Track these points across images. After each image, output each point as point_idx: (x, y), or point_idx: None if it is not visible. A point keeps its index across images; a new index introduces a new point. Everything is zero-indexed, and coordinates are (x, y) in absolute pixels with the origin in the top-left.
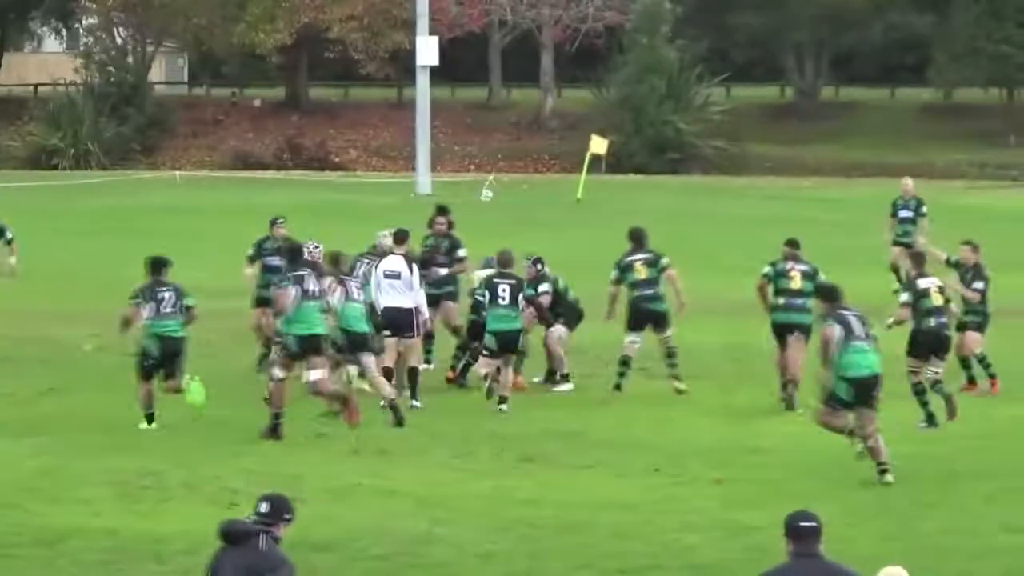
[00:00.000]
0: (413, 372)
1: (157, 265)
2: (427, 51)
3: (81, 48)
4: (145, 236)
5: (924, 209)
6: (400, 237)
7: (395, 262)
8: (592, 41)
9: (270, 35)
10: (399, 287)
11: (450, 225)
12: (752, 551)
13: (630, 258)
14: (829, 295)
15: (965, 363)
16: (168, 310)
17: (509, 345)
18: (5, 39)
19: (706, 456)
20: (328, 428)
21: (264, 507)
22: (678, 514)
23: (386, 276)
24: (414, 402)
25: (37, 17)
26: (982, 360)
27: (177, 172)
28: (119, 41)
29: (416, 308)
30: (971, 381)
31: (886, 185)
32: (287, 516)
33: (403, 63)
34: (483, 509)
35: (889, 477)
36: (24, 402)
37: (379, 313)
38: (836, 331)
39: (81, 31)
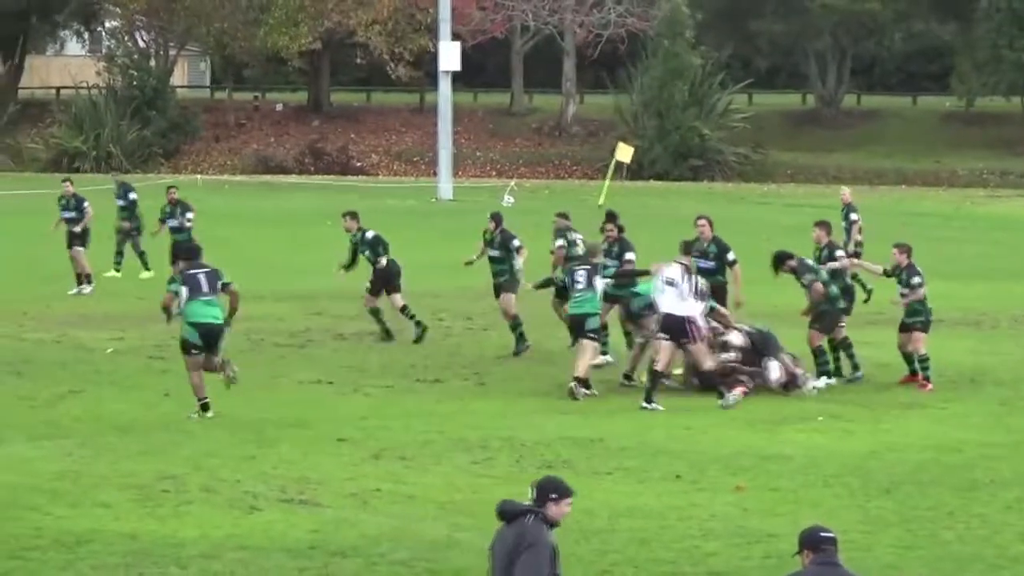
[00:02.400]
0: (705, 375)
1: None
2: (449, 56)
3: (104, 51)
4: (165, 239)
5: (852, 216)
6: (686, 248)
7: (674, 270)
8: (614, 47)
9: (293, 39)
10: (674, 295)
11: (620, 230)
12: (771, 558)
13: None
14: (186, 254)
15: (908, 359)
16: None
17: (578, 328)
18: (28, 42)
19: (725, 463)
20: (349, 433)
21: (532, 492)
22: (697, 521)
23: (665, 283)
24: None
25: (60, 20)
26: (924, 360)
27: (199, 176)
28: (142, 44)
29: (689, 317)
30: (913, 374)
31: (907, 193)
32: (552, 495)
33: (426, 68)
34: None
35: (209, 414)
36: (44, 405)
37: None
38: (183, 290)
39: (104, 34)
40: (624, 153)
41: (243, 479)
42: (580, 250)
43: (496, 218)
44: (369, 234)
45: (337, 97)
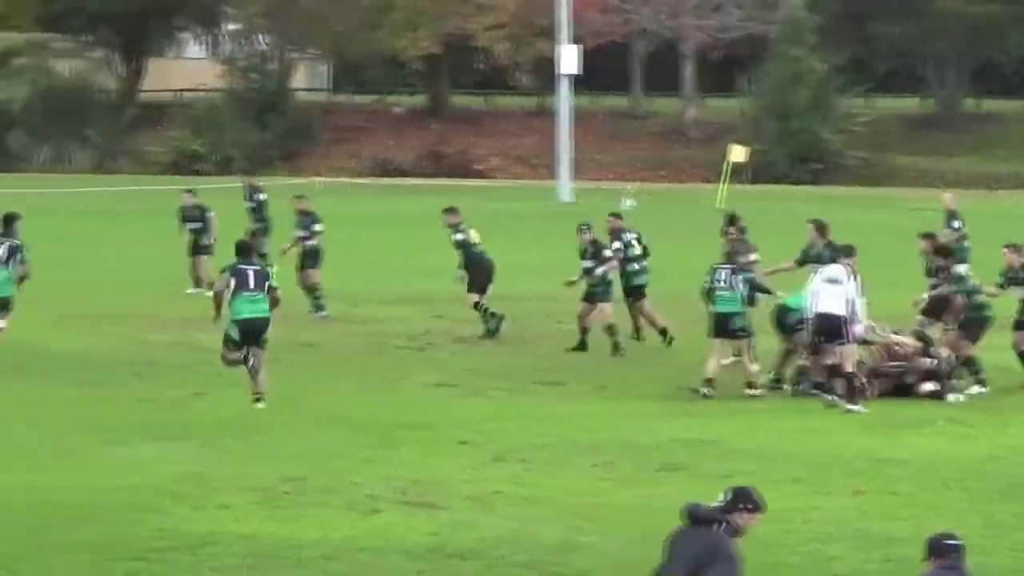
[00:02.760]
0: (848, 377)
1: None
2: (569, 60)
3: (224, 54)
4: (284, 242)
5: (955, 224)
6: (847, 250)
7: (837, 269)
8: (734, 51)
9: (412, 43)
10: (835, 293)
11: (741, 231)
12: (892, 562)
13: None
14: (239, 250)
15: None
16: None
17: (722, 327)
18: (148, 45)
19: (845, 466)
20: (469, 436)
21: (724, 496)
22: (818, 524)
23: (827, 281)
24: (851, 407)
25: (180, 23)
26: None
27: (319, 179)
28: (262, 47)
29: (846, 317)
30: None
31: None
32: (740, 505)
33: (546, 72)
34: (625, 518)
35: (261, 404)
36: (166, 407)
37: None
38: (231, 281)
39: (224, 37)
40: (737, 154)
41: (363, 481)
42: (636, 250)
43: (586, 228)
44: (457, 236)
45: (456, 100)
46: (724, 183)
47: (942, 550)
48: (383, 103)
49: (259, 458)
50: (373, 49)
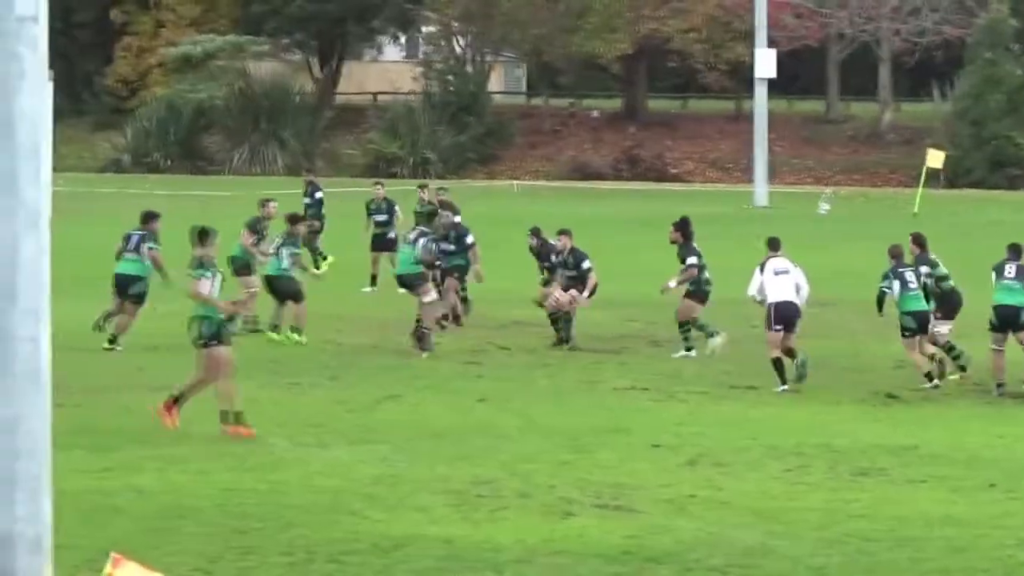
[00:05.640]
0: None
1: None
2: (765, 63)
3: (420, 57)
4: (482, 246)
5: None
6: (774, 244)
7: (782, 261)
8: (931, 54)
9: (610, 44)
10: (788, 283)
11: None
12: None
13: None
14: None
15: None
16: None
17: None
18: (345, 48)
19: None
20: (664, 439)
21: None
22: (1013, 530)
23: (777, 273)
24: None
25: (377, 26)
26: None
27: (515, 182)
28: (458, 51)
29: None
30: None
31: None
32: None
33: (742, 76)
34: (817, 522)
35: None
36: (360, 409)
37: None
38: None
39: (421, 40)
40: (935, 159)
41: (558, 484)
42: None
43: (535, 232)
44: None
45: (653, 104)
46: (921, 188)
47: None
48: (579, 107)
49: (453, 461)
50: (571, 52)
